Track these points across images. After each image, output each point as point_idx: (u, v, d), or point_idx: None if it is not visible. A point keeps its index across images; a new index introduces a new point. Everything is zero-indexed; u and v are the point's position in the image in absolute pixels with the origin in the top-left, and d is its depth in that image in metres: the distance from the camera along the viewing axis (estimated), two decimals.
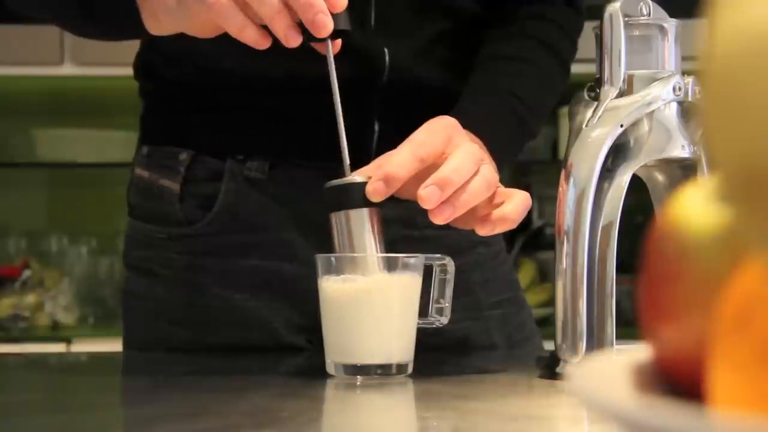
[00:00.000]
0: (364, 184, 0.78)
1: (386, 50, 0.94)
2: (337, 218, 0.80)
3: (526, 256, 2.63)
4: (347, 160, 0.81)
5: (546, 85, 0.99)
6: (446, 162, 0.78)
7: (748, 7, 0.26)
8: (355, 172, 0.80)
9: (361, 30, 0.92)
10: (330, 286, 0.79)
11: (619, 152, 0.77)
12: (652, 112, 0.77)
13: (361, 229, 0.79)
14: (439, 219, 0.77)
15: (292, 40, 0.76)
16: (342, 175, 0.81)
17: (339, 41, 0.81)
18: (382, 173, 0.77)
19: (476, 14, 1.00)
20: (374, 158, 0.81)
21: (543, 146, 2.61)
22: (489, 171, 0.80)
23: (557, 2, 1.02)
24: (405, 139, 0.81)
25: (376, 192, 0.77)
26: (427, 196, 0.76)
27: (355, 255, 0.79)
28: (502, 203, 0.81)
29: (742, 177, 0.26)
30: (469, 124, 0.85)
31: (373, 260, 0.79)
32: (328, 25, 0.76)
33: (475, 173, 0.79)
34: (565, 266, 0.77)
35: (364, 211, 0.79)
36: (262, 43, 0.78)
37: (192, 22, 0.81)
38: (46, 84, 2.58)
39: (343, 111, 0.81)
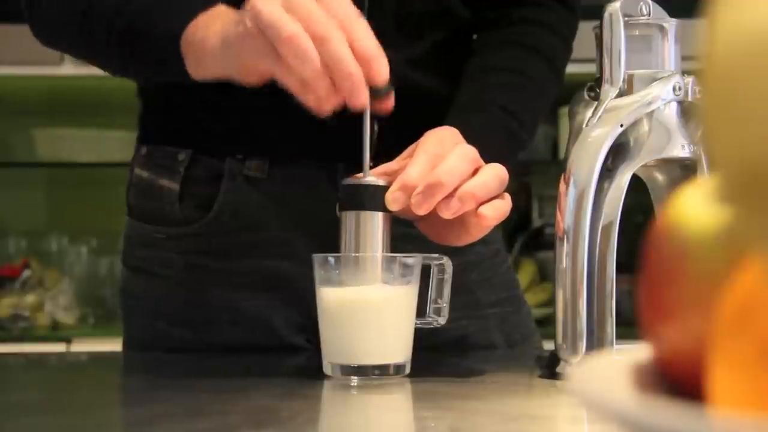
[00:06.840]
0: (384, 188, 0.78)
1: None
2: (348, 217, 0.79)
3: (526, 256, 2.63)
4: (368, 160, 0.80)
5: (538, 95, 0.99)
6: (441, 164, 0.78)
7: (748, 7, 0.26)
8: (368, 173, 0.80)
9: None
10: (328, 294, 0.78)
11: (619, 152, 0.77)
12: (652, 111, 0.77)
13: (371, 233, 0.79)
14: (446, 213, 0.77)
15: (327, 107, 0.74)
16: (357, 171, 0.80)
17: (389, 100, 0.78)
18: (402, 183, 0.77)
19: (469, 20, 1.00)
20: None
21: (543, 146, 2.60)
22: (500, 168, 0.80)
23: (550, 4, 1.02)
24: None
25: (395, 201, 0.77)
26: (416, 203, 0.76)
27: (356, 257, 0.78)
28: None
29: (742, 177, 0.26)
30: None
31: (374, 266, 0.78)
32: (362, 100, 0.74)
33: (477, 170, 0.79)
34: (565, 266, 0.77)
35: (379, 216, 0.79)
36: (323, 108, 0.75)
37: (239, 66, 0.79)
38: (45, 84, 2.57)
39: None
